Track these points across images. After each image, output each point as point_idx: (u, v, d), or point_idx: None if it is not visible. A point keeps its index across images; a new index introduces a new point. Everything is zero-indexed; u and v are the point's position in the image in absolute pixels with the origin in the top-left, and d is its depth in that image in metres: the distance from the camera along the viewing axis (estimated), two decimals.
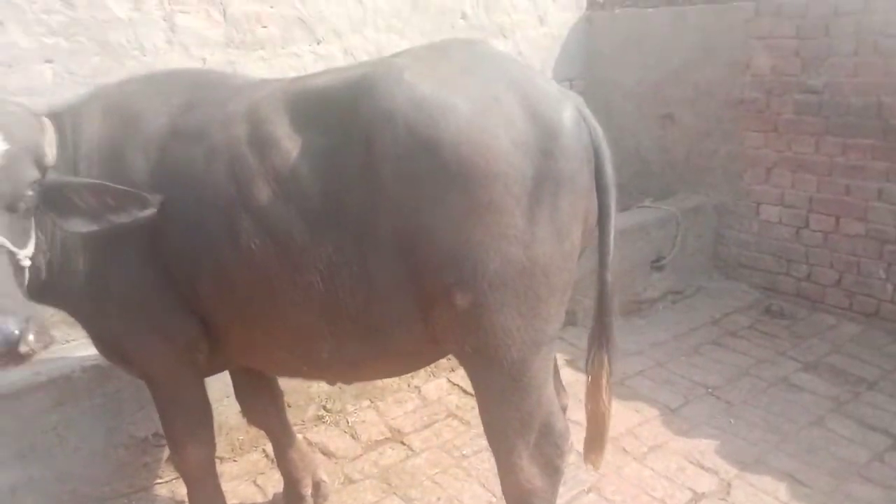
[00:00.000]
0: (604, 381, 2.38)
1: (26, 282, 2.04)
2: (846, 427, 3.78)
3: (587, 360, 2.42)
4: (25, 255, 2.01)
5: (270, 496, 3.32)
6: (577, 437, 2.50)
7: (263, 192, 2.13)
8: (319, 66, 4.57)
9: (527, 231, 2.00)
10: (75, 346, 3.21)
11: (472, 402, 3.97)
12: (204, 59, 4.05)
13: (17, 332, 1.74)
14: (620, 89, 6.03)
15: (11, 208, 1.96)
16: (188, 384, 2.49)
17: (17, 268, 1.96)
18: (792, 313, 5.12)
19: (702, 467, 3.46)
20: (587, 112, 2.17)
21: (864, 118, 4.58)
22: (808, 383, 4.21)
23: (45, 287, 2.25)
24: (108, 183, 2.12)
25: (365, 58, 4.79)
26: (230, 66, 4.16)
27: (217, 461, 2.80)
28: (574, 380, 3.85)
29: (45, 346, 1.82)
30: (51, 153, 2.14)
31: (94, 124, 2.35)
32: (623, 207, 5.30)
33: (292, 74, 4.52)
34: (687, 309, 5.33)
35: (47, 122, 2.20)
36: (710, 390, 4.16)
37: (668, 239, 5.40)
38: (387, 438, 3.70)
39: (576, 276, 2.22)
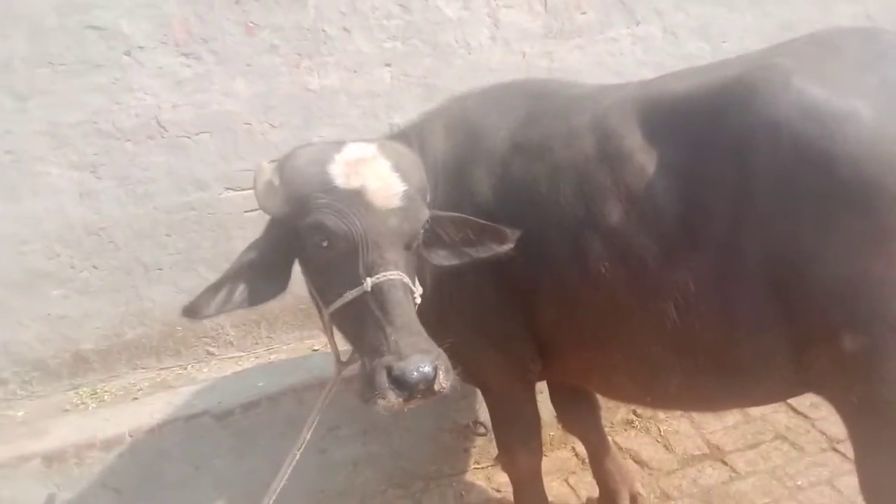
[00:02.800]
0: None
1: None
2: None
3: None
4: (419, 293, 2.05)
5: (583, 499, 3.30)
6: None
7: (614, 212, 1.98)
8: (637, 49, 4.35)
9: None
10: None
11: (804, 425, 3.56)
12: (524, 53, 4.06)
13: (433, 372, 1.80)
14: None
15: (408, 247, 2.02)
16: (522, 398, 2.51)
17: (415, 306, 2.00)
18: None
19: None
20: None
21: None
22: None
23: None
24: (470, 217, 2.12)
25: (686, 36, 4.44)
26: (547, 56, 4.13)
27: None
28: None
29: (452, 384, 1.89)
30: (431, 191, 2.18)
31: (437, 141, 2.40)
32: None
33: (608, 59, 4.39)
34: None
35: (419, 159, 2.23)
36: None
37: None
38: (705, 455, 3.45)
39: None
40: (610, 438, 3.53)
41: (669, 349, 2.04)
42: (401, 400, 1.79)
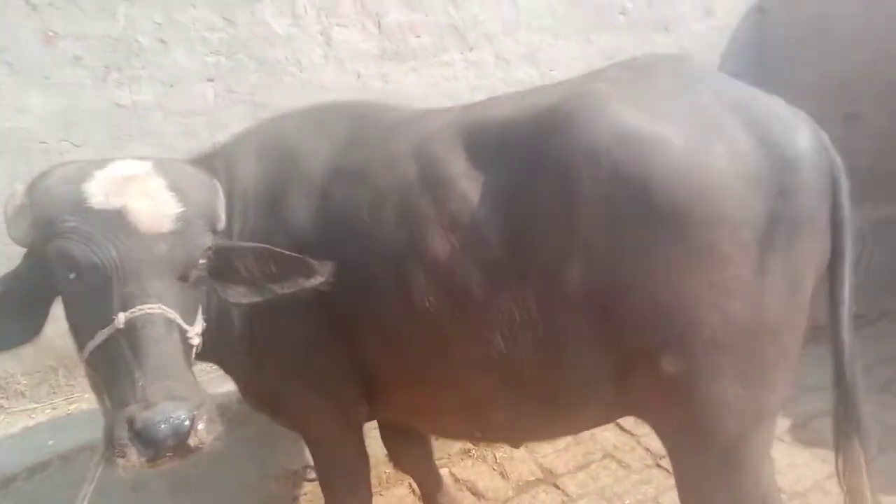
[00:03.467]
0: (863, 472, 1.96)
1: (193, 360, 1.84)
2: None
3: (836, 452, 2.00)
4: (195, 332, 1.80)
5: None
6: None
7: (438, 241, 1.90)
8: (470, 74, 4.37)
9: (754, 283, 1.68)
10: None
11: (630, 442, 3.69)
12: (358, 73, 3.94)
13: (187, 422, 1.55)
14: (796, 85, 5.34)
15: (184, 278, 1.78)
16: (347, 443, 2.36)
17: (187, 346, 1.75)
18: None
19: None
20: (824, 135, 1.80)
21: None
22: None
23: None
24: (272, 248, 1.92)
25: (517, 62, 4.54)
26: (382, 78, 4.05)
27: None
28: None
29: (216, 438, 1.64)
30: (222, 216, 1.97)
31: (248, 165, 2.21)
32: None
33: (442, 83, 4.38)
34: (872, 336, 4.71)
35: (217, 183, 2.02)
36: None
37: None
38: (538, 480, 3.49)
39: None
40: (446, 470, 3.50)
41: (497, 381, 1.98)
42: (144, 459, 1.53)
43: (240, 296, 1.92)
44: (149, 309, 1.64)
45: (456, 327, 1.94)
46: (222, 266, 1.90)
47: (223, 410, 2.94)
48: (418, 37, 4.08)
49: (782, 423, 2.14)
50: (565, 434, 2.54)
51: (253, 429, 3.13)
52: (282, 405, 2.34)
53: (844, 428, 1.95)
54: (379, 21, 3.91)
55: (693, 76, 1.87)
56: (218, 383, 3.13)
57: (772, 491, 1.96)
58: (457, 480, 3.48)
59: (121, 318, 1.62)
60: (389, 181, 2.01)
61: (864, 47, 4.92)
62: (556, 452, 3.66)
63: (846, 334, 1.87)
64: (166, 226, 1.72)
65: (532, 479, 3.50)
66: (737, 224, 1.64)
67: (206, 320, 1.95)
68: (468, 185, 1.88)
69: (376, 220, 2.00)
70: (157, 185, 1.77)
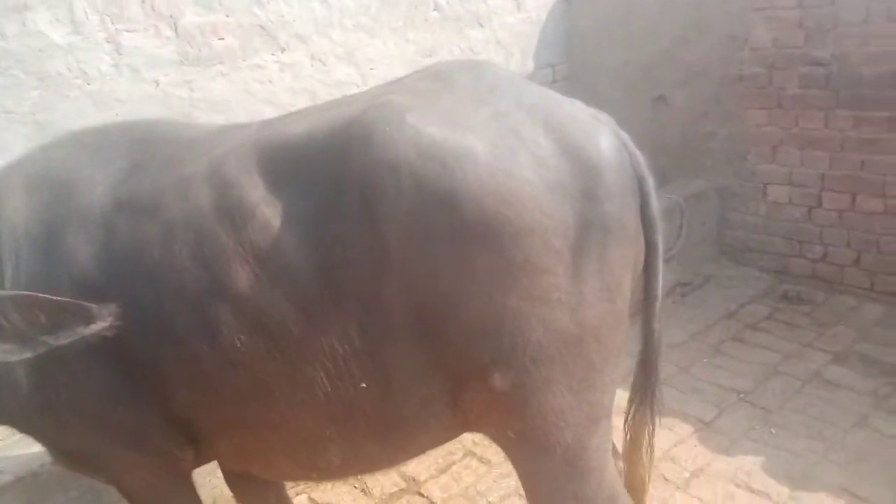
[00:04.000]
0: (645, 440, 2.11)
1: None
2: (892, 424, 3.51)
3: (626, 417, 2.13)
4: None
5: None
6: None
7: (242, 276, 1.70)
8: (286, 77, 4.16)
9: (572, 291, 1.64)
10: None
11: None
12: (157, 81, 3.61)
13: None
14: (606, 72, 5.67)
15: None
16: (174, 496, 2.08)
17: None
18: (810, 297, 4.84)
19: (751, 490, 3.16)
20: (624, 135, 1.82)
21: (877, 89, 4.28)
22: (842, 378, 3.94)
23: None
24: (36, 294, 1.58)
25: (335, 63, 4.38)
26: (186, 85, 3.73)
27: None
28: None
29: None
30: (10, 263, 1.69)
31: (16, 201, 1.90)
32: None
33: (256, 87, 4.13)
34: (699, 302, 5.03)
35: None
36: (742, 396, 3.86)
37: (673, 229, 5.07)
38: (402, 490, 3.34)
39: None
40: (305, 496, 3.28)
41: (326, 420, 1.82)
42: None
43: (6, 353, 1.56)
44: None
45: (273, 367, 1.76)
46: None
47: (35, 477, 2.61)
48: (222, 39, 3.81)
49: (624, 395, 2.20)
50: (411, 458, 2.42)
51: (74, 492, 2.75)
52: (94, 464, 2.03)
53: (640, 406, 2.10)
54: (175, 24, 3.60)
55: (492, 83, 1.81)
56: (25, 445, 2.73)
57: (617, 489, 1.95)
58: None
59: None
60: (181, 210, 1.78)
61: (662, 35, 5.24)
62: (417, 459, 3.52)
63: (656, 324, 1.96)
64: None
65: (395, 490, 3.35)
66: (547, 233, 1.60)
67: None
68: (270, 210, 1.71)
69: (168, 254, 1.76)
70: None
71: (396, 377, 1.73)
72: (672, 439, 3.52)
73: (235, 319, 1.71)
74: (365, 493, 3.34)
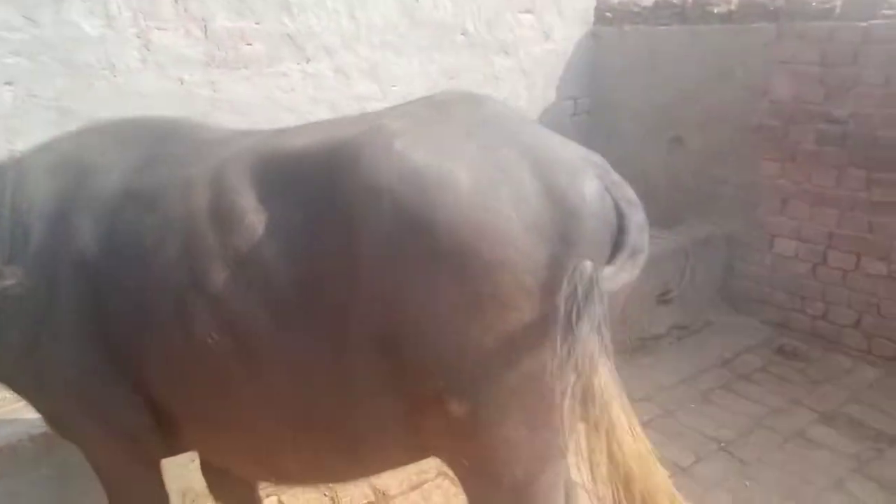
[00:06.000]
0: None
1: None
2: (868, 490, 3.49)
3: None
4: None
5: None
6: None
7: (221, 277, 1.77)
8: (308, 86, 4.27)
9: (538, 330, 1.66)
10: (21, 407, 2.88)
11: None
12: (181, 79, 3.73)
13: None
14: (627, 109, 5.73)
15: None
16: (138, 479, 2.15)
17: None
18: (806, 354, 4.82)
19: None
20: (616, 177, 1.81)
21: (892, 152, 4.28)
22: (826, 438, 3.91)
23: None
24: None
25: (357, 77, 4.49)
26: (210, 85, 3.86)
27: None
28: None
29: None
30: (21, 239, 1.80)
31: (38, 180, 2.01)
32: None
33: (279, 94, 4.25)
34: (695, 346, 5.03)
35: None
36: (722, 445, 3.85)
37: (677, 271, 5.10)
38: (371, 503, 3.39)
39: None
40: (275, 498, 3.32)
41: (286, 425, 1.88)
42: None
43: None
44: None
45: (240, 367, 1.83)
46: None
47: (12, 450, 2.70)
48: (250, 44, 3.93)
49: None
50: (373, 474, 2.47)
51: (46, 469, 2.83)
52: (71, 435, 2.14)
53: None
54: (205, 26, 3.73)
55: (488, 116, 1.84)
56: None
57: None
58: None
59: None
60: (179, 208, 1.87)
61: (685, 78, 5.29)
62: (390, 473, 3.57)
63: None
64: None
65: (365, 502, 3.39)
66: (518, 270, 1.62)
67: None
68: (256, 219, 1.78)
69: (160, 248, 1.86)
70: None
71: (356, 393, 1.77)
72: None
73: (210, 317, 1.78)
74: (334, 502, 3.40)
